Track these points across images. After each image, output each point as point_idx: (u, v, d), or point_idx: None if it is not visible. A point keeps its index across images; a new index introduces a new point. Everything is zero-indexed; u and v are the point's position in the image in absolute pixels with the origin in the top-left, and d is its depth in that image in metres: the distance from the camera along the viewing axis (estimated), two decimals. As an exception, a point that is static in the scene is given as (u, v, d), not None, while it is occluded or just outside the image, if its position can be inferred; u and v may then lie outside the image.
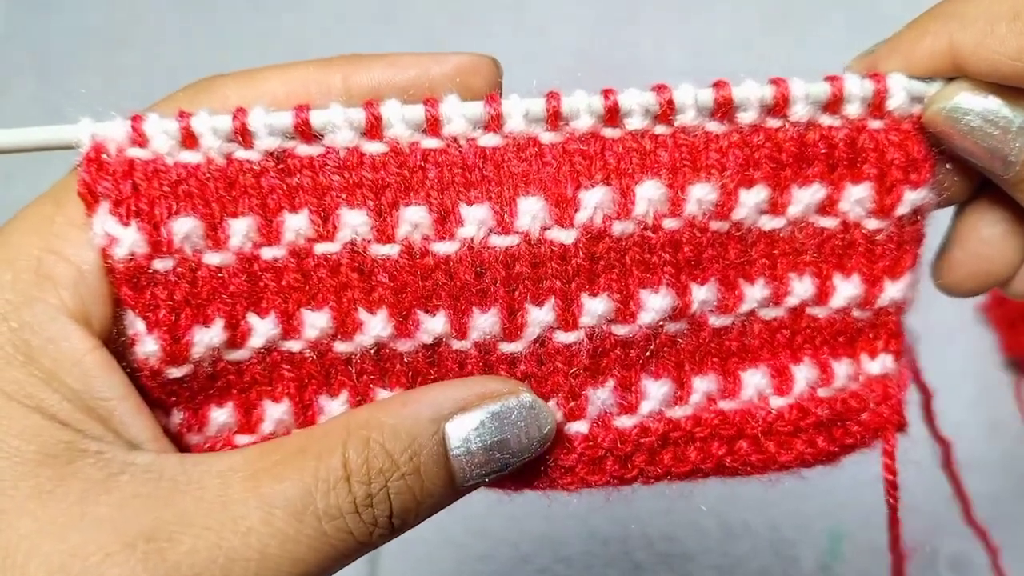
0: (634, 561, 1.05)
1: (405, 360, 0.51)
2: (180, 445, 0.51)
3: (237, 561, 0.43)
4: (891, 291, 0.53)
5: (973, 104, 0.49)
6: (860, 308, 0.53)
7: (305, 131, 0.48)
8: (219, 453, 0.48)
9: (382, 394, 0.51)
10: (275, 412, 0.52)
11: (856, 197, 0.51)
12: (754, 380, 0.53)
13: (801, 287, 0.52)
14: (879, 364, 0.54)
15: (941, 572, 0.99)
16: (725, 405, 0.53)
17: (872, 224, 0.52)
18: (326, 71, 0.49)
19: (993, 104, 0.49)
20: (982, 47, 0.47)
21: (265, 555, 0.43)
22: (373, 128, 0.48)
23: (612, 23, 1.33)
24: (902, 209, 0.51)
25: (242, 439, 0.52)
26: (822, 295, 0.53)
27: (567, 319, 0.50)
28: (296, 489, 0.44)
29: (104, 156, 0.47)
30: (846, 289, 0.53)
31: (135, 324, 0.48)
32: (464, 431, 0.47)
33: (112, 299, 0.48)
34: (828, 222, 0.52)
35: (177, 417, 0.51)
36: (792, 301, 0.53)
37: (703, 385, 0.53)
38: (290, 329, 0.50)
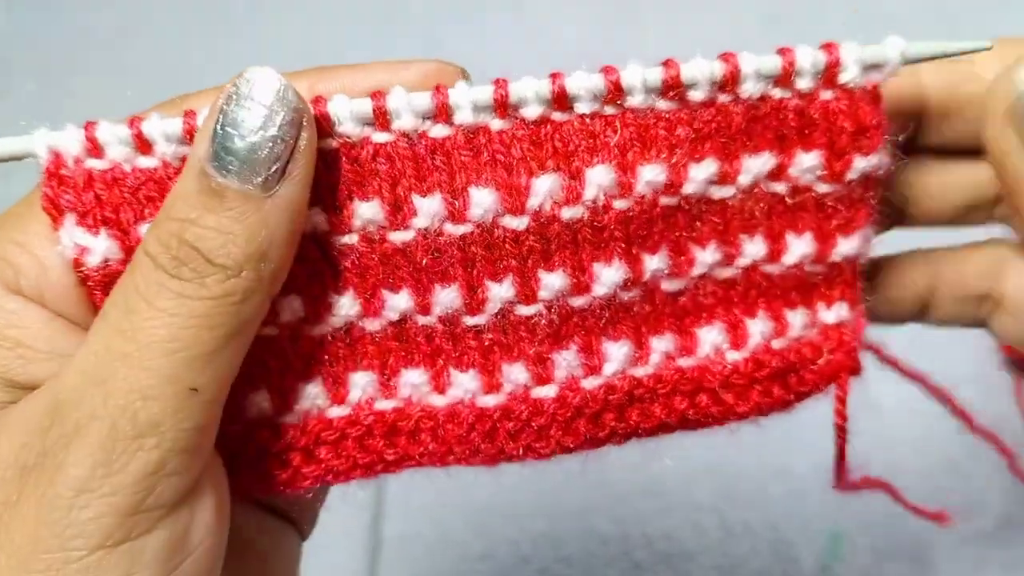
0: (634, 561, 1.05)
1: (375, 339, 0.53)
2: None
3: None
4: (844, 247, 0.54)
5: None
6: (813, 264, 0.54)
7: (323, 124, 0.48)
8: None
9: (358, 375, 0.53)
10: (260, 400, 0.53)
11: (807, 165, 0.52)
12: (710, 337, 0.55)
13: (753, 248, 0.53)
14: (834, 313, 0.56)
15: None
16: (684, 362, 0.55)
17: (823, 188, 0.53)
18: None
19: None
20: None
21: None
22: (322, 126, 0.48)
23: (612, 23, 1.33)
24: (852, 175, 0.52)
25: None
26: (774, 254, 0.54)
27: (526, 294, 0.51)
28: (118, 295, 0.44)
29: (63, 169, 0.47)
30: (798, 247, 0.54)
31: None
32: (217, 147, 0.43)
33: (82, 308, 0.48)
34: (779, 187, 0.53)
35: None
36: (744, 262, 0.54)
37: (661, 345, 0.54)
38: (271, 315, 0.50)
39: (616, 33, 1.32)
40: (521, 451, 0.54)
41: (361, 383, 0.54)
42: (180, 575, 0.45)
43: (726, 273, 0.54)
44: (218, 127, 0.44)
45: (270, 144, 0.44)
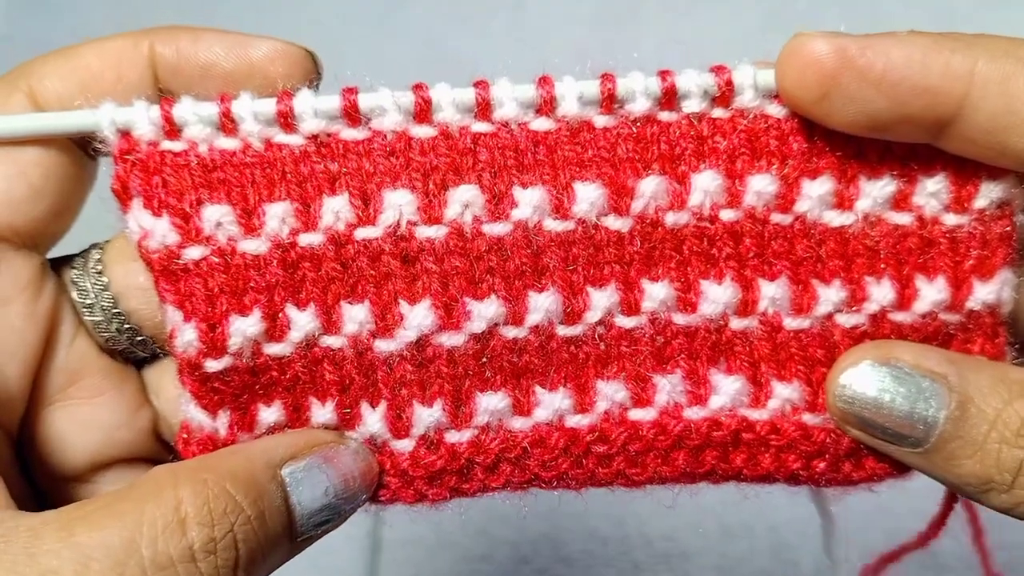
0: (634, 561, 1.05)
1: (452, 358, 0.49)
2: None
3: None
4: (982, 292, 0.49)
5: (870, 381, 0.47)
6: (948, 312, 0.49)
7: (352, 114, 0.47)
8: (33, 513, 0.42)
9: (420, 410, 0.49)
10: (321, 415, 0.50)
11: (931, 189, 0.48)
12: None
13: (880, 292, 0.49)
14: None
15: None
16: (809, 419, 0.50)
17: (952, 220, 0.48)
18: (136, 42, 0.49)
19: (895, 372, 0.47)
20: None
21: None
22: (422, 111, 0.47)
23: (612, 23, 1.33)
24: (982, 202, 0.48)
25: None
26: (904, 300, 0.49)
27: (629, 303, 0.49)
28: (117, 536, 0.39)
29: (135, 151, 0.47)
30: (930, 292, 0.49)
31: (173, 316, 0.48)
32: (300, 475, 0.45)
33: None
34: (903, 218, 0.49)
35: (224, 418, 0.49)
36: (872, 308, 0.49)
37: (785, 392, 0.50)
38: (330, 323, 0.49)
39: (616, 33, 1.32)
40: (613, 477, 0.51)
41: (428, 419, 0.49)
42: None
43: (853, 321, 0.49)
44: (321, 469, 0.46)
45: (338, 514, 0.47)
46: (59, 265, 0.52)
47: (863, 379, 0.47)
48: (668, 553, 1.05)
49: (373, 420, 0.49)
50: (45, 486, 0.51)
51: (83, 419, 0.51)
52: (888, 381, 0.47)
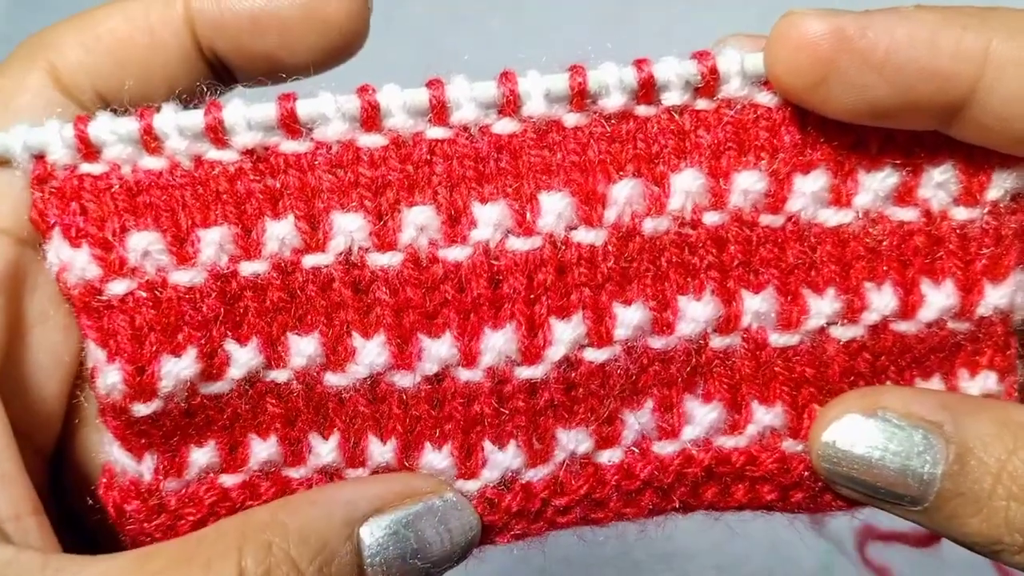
0: (634, 560, 1.05)
1: (404, 400, 0.44)
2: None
3: None
4: (994, 296, 0.44)
5: (857, 437, 0.43)
6: (956, 319, 0.45)
7: (290, 124, 0.42)
8: (92, 557, 0.39)
9: (375, 444, 0.45)
10: (262, 451, 0.45)
11: (938, 180, 0.44)
12: None
13: (881, 300, 0.44)
14: (979, 384, 0.45)
15: None
16: (789, 446, 0.45)
17: (961, 215, 0.44)
18: (167, 1, 0.44)
19: (885, 427, 0.42)
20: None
21: None
22: (370, 118, 0.42)
23: (612, 23, 1.32)
24: (995, 193, 0.43)
25: (228, 479, 0.45)
26: (908, 308, 0.44)
27: (599, 333, 0.43)
28: None
29: (53, 172, 0.42)
30: (937, 299, 0.44)
31: (95, 354, 0.43)
32: (380, 535, 0.41)
33: (7, 323, 0.42)
34: (908, 214, 0.44)
35: (150, 462, 0.45)
36: (872, 318, 0.44)
37: (767, 417, 0.45)
38: (275, 357, 0.44)
39: (616, 33, 1.31)
40: (575, 522, 0.47)
41: (379, 457, 0.45)
42: None
43: (850, 333, 0.44)
44: (408, 527, 0.41)
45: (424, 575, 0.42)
46: None
47: (849, 435, 0.43)
48: (669, 552, 1.05)
49: (326, 450, 0.45)
50: (77, 506, 0.48)
51: None
52: (877, 436, 0.42)
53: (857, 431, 0.43)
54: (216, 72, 0.46)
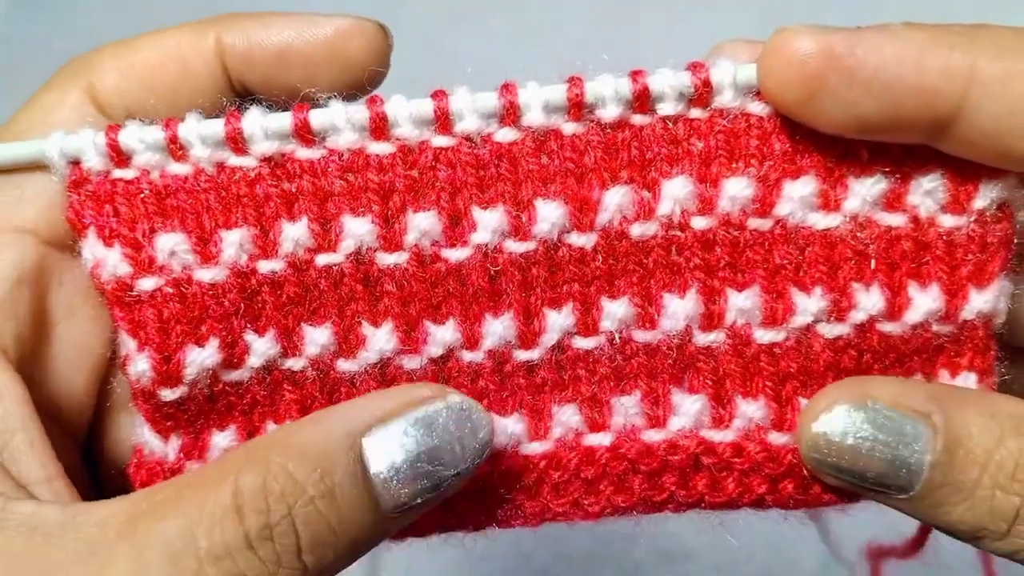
0: (634, 560, 1.05)
1: (412, 380, 0.47)
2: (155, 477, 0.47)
3: None
4: (977, 301, 0.45)
5: (846, 428, 0.43)
6: (941, 323, 0.46)
7: (304, 133, 0.45)
8: (106, 501, 0.41)
9: None
10: None
11: (926, 187, 0.45)
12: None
13: (869, 300, 0.46)
14: (959, 384, 0.47)
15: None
16: (776, 438, 0.47)
17: (949, 221, 0.45)
18: (199, 33, 0.47)
19: (875, 414, 0.43)
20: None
21: None
22: (378, 128, 0.45)
23: (612, 23, 1.33)
24: (981, 202, 0.45)
25: None
26: (895, 309, 0.46)
27: (586, 323, 0.47)
28: (174, 528, 0.38)
29: (88, 177, 0.46)
30: (924, 302, 0.46)
31: (127, 343, 0.46)
32: (386, 444, 0.41)
33: (33, 317, 0.45)
34: (896, 219, 0.46)
35: (175, 443, 0.48)
36: (859, 317, 0.46)
37: (750, 410, 0.47)
38: (291, 347, 0.47)
39: (616, 33, 1.32)
40: (568, 508, 0.48)
41: None
42: None
43: (836, 331, 0.46)
44: (412, 432, 0.41)
45: (437, 483, 0.41)
46: None
47: (838, 425, 0.43)
48: (669, 552, 1.05)
49: None
50: (113, 490, 0.50)
51: None
52: (866, 427, 0.43)
53: (846, 421, 0.43)
54: (242, 100, 0.49)
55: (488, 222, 0.45)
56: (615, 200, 0.45)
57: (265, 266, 0.46)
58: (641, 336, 0.47)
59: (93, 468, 0.51)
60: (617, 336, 0.47)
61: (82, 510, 0.40)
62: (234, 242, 0.46)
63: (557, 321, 0.46)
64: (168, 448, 0.48)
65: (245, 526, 0.38)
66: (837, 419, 0.43)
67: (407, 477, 0.41)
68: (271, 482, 0.39)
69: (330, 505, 0.39)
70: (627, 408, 0.48)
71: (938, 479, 0.42)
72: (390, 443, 0.41)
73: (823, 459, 0.44)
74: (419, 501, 0.41)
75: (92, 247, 0.46)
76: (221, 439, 0.48)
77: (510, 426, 0.48)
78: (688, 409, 0.47)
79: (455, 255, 0.46)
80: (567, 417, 0.48)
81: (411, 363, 0.47)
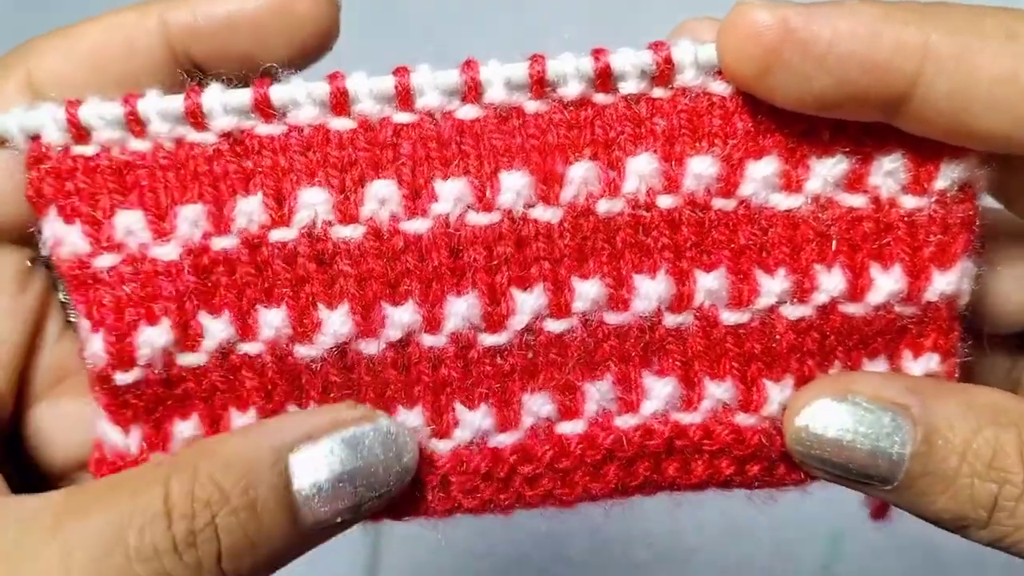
0: (634, 561, 1.05)
1: (372, 366, 0.46)
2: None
3: None
4: (940, 283, 0.46)
5: (828, 420, 0.44)
6: (903, 304, 0.46)
7: (264, 108, 0.45)
8: (32, 495, 0.42)
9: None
10: (242, 424, 0.47)
11: (887, 168, 0.45)
12: (778, 394, 0.47)
13: (831, 281, 0.46)
14: (922, 365, 0.47)
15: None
16: (743, 420, 0.47)
17: (910, 203, 0.45)
18: (143, 12, 0.46)
19: (856, 408, 0.44)
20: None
21: None
22: (339, 103, 0.44)
23: (612, 22, 1.33)
24: (943, 183, 0.45)
25: None
26: (857, 290, 0.46)
27: (559, 304, 0.45)
28: (103, 526, 0.39)
29: (48, 153, 0.45)
30: (886, 283, 0.46)
31: (82, 325, 0.46)
32: (312, 461, 0.41)
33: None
34: (857, 200, 0.46)
35: (136, 434, 0.47)
36: (821, 298, 0.46)
37: (718, 391, 0.47)
38: (246, 329, 0.46)
39: (616, 33, 1.32)
40: (540, 499, 0.48)
41: None
42: None
43: (799, 312, 0.46)
44: (338, 451, 0.42)
45: (357, 505, 0.42)
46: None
47: (821, 419, 0.44)
48: (669, 552, 1.05)
49: None
50: (36, 484, 0.50)
51: (69, 417, 0.50)
52: (847, 419, 0.43)
53: (828, 415, 0.44)
54: (192, 78, 0.48)
55: (450, 192, 0.44)
56: (580, 174, 0.44)
57: (218, 243, 0.45)
58: (613, 318, 0.46)
59: (16, 463, 0.50)
60: (591, 317, 0.46)
61: (5, 504, 0.41)
62: (188, 218, 0.45)
63: (527, 302, 0.45)
64: (129, 440, 0.47)
65: (173, 530, 0.39)
66: (819, 412, 0.44)
67: (329, 496, 0.41)
68: (198, 489, 0.40)
69: (251, 517, 0.40)
70: (600, 394, 0.47)
71: (919, 469, 0.42)
72: (315, 461, 0.41)
73: (807, 451, 0.45)
74: (339, 520, 0.42)
75: (52, 225, 0.45)
76: (184, 428, 0.47)
77: (477, 420, 0.47)
78: (659, 392, 0.47)
79: (414, 226, 0.44)
80: (538, 406, 0.47)
81: (369, 348, 0.45)
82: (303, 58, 0.47)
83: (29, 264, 0.49)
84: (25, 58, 0.46)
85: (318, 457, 0.42)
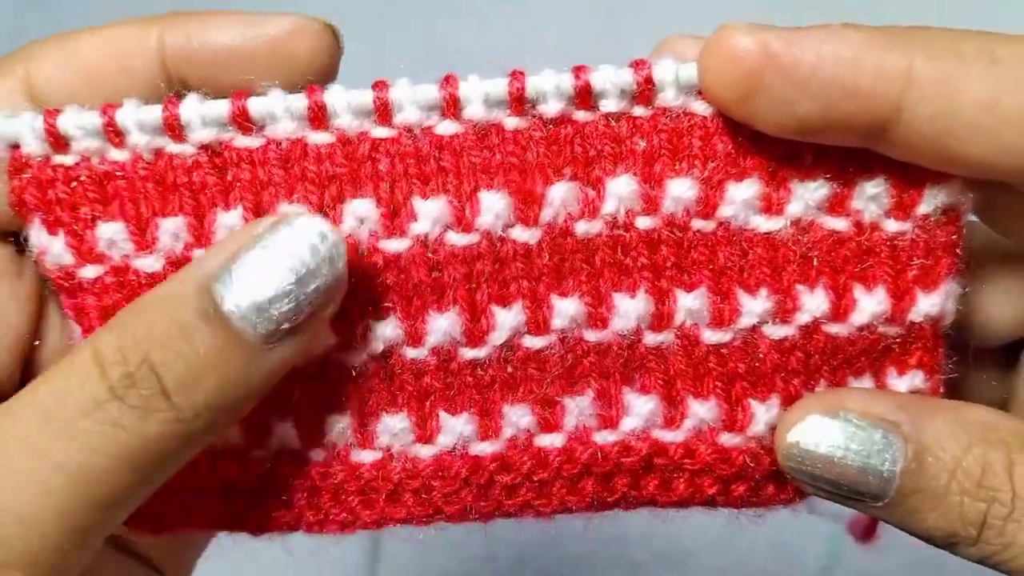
0: (634, 561, 1.05)
1: (355, 377, 0.47)
2: None
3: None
4: (925, 304, 0.46)
5: (819, 437, 0.44)
6: (887, 324, 0.46)
7: (241, 121, 0.44)
8: None
9: (333, 420, 0.47)
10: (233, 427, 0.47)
11: (870, 193, 0.45)
12: (763, 415, 0.47)
13: (813, 301, 0.46)
14: (907, 382, 0.47)
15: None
16: (727, 439, 0.47)
17: (893, 226, 0.45)
18: (143, 29, 0.46)
19: (849, 425, 0.44)
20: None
21: (16, 472, 0.38)
22: (317, 117, 0.44)
23: (612, 22, 1.33)
24: (926, 207, 0.45)
25: None
26: (840, 311, 0.46)
27: (537, 321, 0.46)
28: (44, 392, 0.40)
29: (28, 162, 0.45)
30: (869, 304, 0.46)
31: (73, 328, 0.47)
32: (234, 276, 0.40)
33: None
34: (839, 223, 0.45)
35: None
36: (803, 319, 0.46)
37: (701, 410, 0.47)
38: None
39: (618, 27, 1.31)
40: (518, 508, 0.48)
41: (336, 428, 0.48)
42: None
43: (781, 332, 0.46)
44: (261, 259, 0.41)
45: (294, 304, 0.41)
46: None
47: (812, 435, 0.44)
48: (669, 552, 1.05)
49: (289, 436, 0.48)
50: None
51: None
52: (839, 435, 0.43)
53: (819, 431, 0.44)
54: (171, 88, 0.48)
55: (429, 212, 0.44)
56: (559, 195, 0.44)
57: (199, 254, 0.45)
58: (592, 336, 0.46)
59: None
60: (570, 335, 0.46)
61: None
62: (169, 230, 0.45)
63: (507, 319, 0.45)
64: None
65: (108, 377, 0.39)
66: (810, 428, 0.44)
67: (258, 306, 0.40)
68: (124, 335, 0.40)
69: (185, 344, 0.39)
70: (580, 408, 0.47)
71: (910, 486, 0.42)
72: (242, 277, 0.40)
73: (798, 468, 0.44)
74: (286, 325, 0.40)
75: (37, 235, 0.45)
76: None
77: (459, 426, 0.47)
78: (640, 410, 0.47)
79: (393, 246, 0.44)
80: (518, 418, 0.47)
81: (352, 359, 0.46)
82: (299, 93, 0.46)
83: (22, 251, 0.48)
84: (25, 60, 0.46)
85: (245, 273, 0.40)
